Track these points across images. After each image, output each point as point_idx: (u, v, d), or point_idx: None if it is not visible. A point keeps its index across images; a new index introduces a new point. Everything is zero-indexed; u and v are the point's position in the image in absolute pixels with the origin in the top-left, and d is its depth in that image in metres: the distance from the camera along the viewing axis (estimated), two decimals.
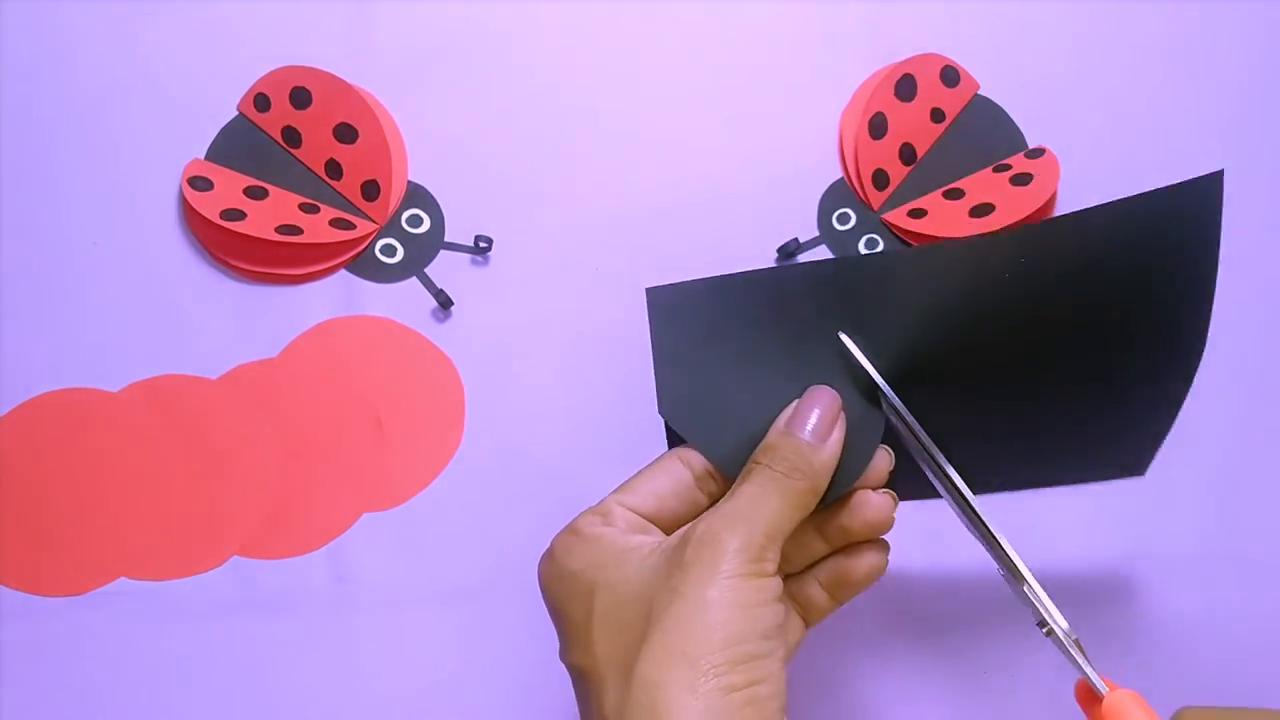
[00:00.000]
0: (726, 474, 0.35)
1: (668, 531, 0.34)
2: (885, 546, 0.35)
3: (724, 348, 0.36)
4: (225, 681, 0.46)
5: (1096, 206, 0.35)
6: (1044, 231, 0.36)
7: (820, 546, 0.35)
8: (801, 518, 0.33)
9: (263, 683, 0.46)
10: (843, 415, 0.34)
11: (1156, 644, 0.48)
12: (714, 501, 0.34)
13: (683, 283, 0.36)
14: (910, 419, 0.34)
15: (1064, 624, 0.33)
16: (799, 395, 0.35)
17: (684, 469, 0.35)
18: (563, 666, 0.33)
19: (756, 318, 0.36)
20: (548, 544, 0.35)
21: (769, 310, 0.36)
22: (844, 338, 0.35)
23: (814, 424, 0.33)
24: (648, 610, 0.30)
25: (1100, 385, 0.38)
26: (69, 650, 0.46)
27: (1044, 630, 0.33)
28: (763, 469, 0.33)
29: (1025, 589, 0.34)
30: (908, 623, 0.48)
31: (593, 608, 0.32)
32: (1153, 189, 0.35)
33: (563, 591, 0.33)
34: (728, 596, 0.29)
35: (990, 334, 0.35)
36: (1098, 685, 0.33)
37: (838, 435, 0.34)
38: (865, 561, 0.35)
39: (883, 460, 0.35)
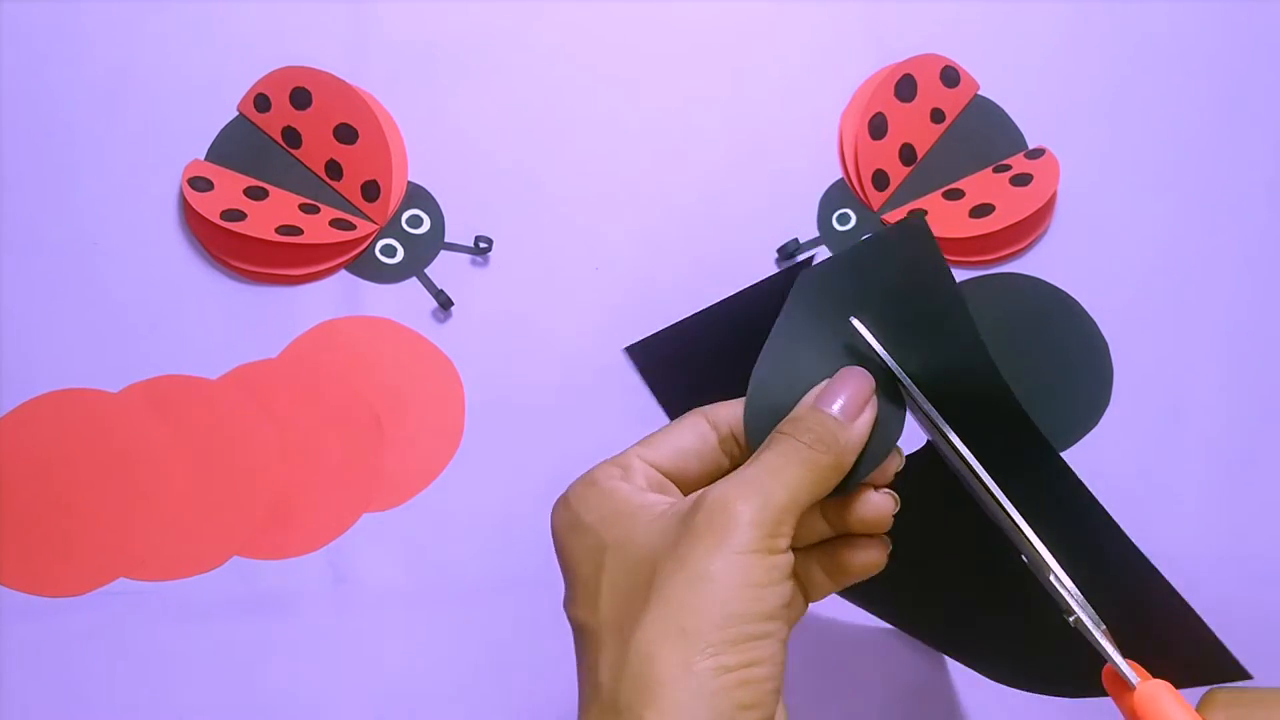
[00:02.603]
0: (750, 437, 0.33)
1: (686, 492, 0.33)
2: (885, 543, 0.35)
3: (844, 308, 0.35)
4: (225, 681, 0.46)
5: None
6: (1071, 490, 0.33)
7: (824, 527, 0.34)
8: (821, 495, 0.32)
9: (263, 683, 0.46)
10: (874, 400, 0.33)
11: None
12: (735, 466, 0.33)
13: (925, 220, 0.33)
14: (929, 407, 0.33)
15: (1092, 613, 0.33)
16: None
17: (709, 429, 0.34)
18: (561, 633, 0.32)
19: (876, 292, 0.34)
20: (551, 528, 0.34)
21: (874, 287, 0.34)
22: (856, 323, 0.34)
23: (843, 403, 0.32)
24: (653, 574, 0.29)
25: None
26: (69, 650, 0.46)
27: (1071, 620, 0.33)
28: (786, 439, 0.32)
29: (1052, 579, 0.33)
30: None
31: (603, 566, 0.31)
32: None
33: (575, 544, 0.32)
34: (734, 574, 0.29)
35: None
36: (1128, 675, 0.32)
37: (867, 417, 0.33)
38: (863, 555, 0.34)
39: (892, 460, 0.34)
